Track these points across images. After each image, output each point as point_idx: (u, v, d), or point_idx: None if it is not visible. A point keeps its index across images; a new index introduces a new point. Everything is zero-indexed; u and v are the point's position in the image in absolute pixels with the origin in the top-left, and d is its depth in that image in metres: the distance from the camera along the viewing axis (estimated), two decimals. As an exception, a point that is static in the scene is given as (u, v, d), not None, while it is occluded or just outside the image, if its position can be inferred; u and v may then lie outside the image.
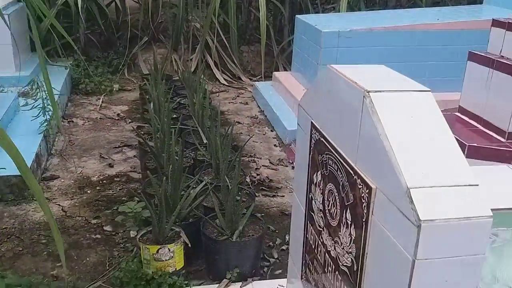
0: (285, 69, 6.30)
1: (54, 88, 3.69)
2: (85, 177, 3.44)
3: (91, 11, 5.74)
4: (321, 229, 1.51)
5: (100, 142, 4.07)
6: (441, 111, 2.53)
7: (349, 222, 1.28)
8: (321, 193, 1.49)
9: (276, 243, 2.77)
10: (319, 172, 1.50)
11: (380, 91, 1.16)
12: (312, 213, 1.58)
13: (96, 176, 3.47)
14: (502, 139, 3.70)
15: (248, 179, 3.47)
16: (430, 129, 1.10)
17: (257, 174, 3.60)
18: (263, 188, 3.41)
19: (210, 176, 3.05)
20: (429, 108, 1.14)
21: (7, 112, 3.70)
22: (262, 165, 3.78)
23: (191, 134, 3.59)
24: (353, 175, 1.23)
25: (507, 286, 1.24)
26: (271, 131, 4.50)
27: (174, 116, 4.08)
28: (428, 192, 1.00)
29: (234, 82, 5.97)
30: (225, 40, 6.07)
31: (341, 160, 1.31)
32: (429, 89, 1.17)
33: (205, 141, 3.42)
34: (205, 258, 2.49)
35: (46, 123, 3.61)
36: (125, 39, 6.19)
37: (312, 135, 1.55)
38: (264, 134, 4.42)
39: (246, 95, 5.54)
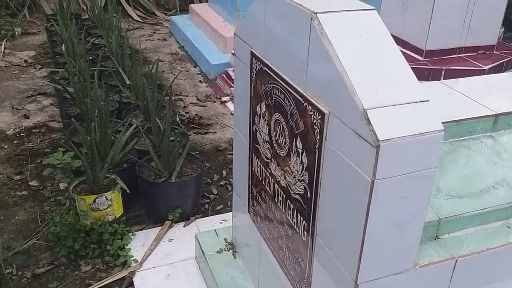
0: (200, 1, 6.05)
1: None
2: (-2, 132, 3.16)
3: None
4: (268, 160, 1.49)
5: (10, 92, 3.73)
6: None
7: (300, 151, 1.27)
8: (266, 124, 1.46)
9: (214, 179, 2.76)
10: (263, 103, 1.45)
11: (327, 11, 1.11)
12: (258, 146, 1.56)
13: (12, 129, 3.20)
14: (420, 58, 3.87)
15: (178, 119, 3.37)
16: (379, 48, 1.08)
17: (186, 113, 3.50)
18: (194, 126, 3.34)
19: (140, 119, 2.92)
20: (376, 27, 1.11)
21: None
22: (190, 103, 3.68)
23: (112, 76, 3.38)
24: (303, 102, 1.21)
25: (449, 195, 1.31)
26: (194, 67, 4.36)
27: (91, 58, 3.81)
28: (384, 111, 1.00)
29: (148, 18, 5.65)
30: (134, -27, 5.66)
31: (289, 88, 1.27)
32: (374, 8, 1.14)
33: (128, 82, 3.23)
34: (143, 202, 2.43)
35: None
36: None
37: (253, 65, 1.49)
38: (187, 71, 4.28)
39: (163, 31, 5.28)
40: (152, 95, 2.84)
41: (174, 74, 4.18)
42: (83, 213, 2.14)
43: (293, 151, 1.31)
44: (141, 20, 5.54)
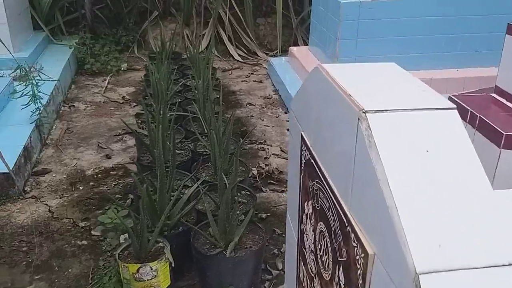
0: (305, 42, 5.86)
1: (47, 75, 3.40)
2: (79, 171, 3.17)
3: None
4: (313, 275, 1.17)
5: (100, 129, 3.79)
6: (475, 91, 2.10)
7: (342, 285, 0.94)
8: (312, 231, 1.14)
9: (282, 250, 2.45)
10: (310, 202, 1.15)
11: (383, 110, 0.79)
12: (304, 251, 1.24)
13: (92, 169, 3.20)
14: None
15: (255, 171, 3.14)
16: (455, 174, 0.73)
17: (266, 165, 3.26)
18: (272, 181, 3.07)
19: (209, 172, 2.74)
20: (455, 138, 0.77)
21: (-2, 99, 3.45)
22: (273, 154, 3.44)
23: (195, 121, 3.27)
24: (346, 224, 0.88)
25: None
26: (285, 113, 4.13)
27: (179, 100, 3.76)
28: (444, 278, 0.65)
29: (249, 58, 5.58)
30: (239, 13, 5.65)
31: (333, 198, 0.96)
32: (454, 106, 0.80)
33: (207, 130, 3.08)
34: (196, 272, 2.20)
35: (39, 111, 3.34)
36: (135, 14, 5.86)
37: (302, 152, 1.19)
38: (277, 117, 4.06)
39: (261, 72, 5.15)
40: (223, 146, 2.64)
41: (263, 120, 3.98)
42: (126, 281, 1.97)
43: (336, 281, 0.98)
44: (241, 60, 5.48)
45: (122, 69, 5.09)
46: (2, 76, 4.00)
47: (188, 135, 3.16)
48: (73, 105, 4.22)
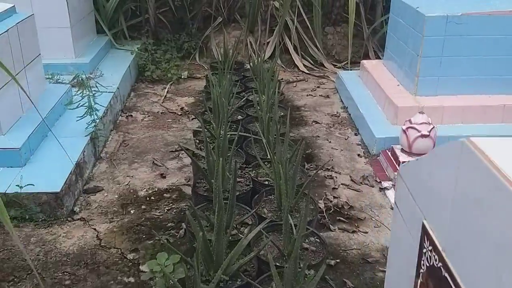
0: (376, 55, 5.45)
1: (105, 86, 3.18)
2: (131, 191, 2.96)
3: (161, -11, 5.24)
4: None
5: (156, 143, 3.58)
6: None
7: None
8: None
9: (354, 308, 2.11)
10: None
11: None
12: None
13: (145, 189, 2.98)
14: None
15: (322, 204, 2.80)
16: None
17: (334, 197, 2.91)
18: (341, 218, 2.72)
19: (272, 207, 2.43)
20: None
21: (54, 108, 3.30)
22: (341, 184, 3.08)
23: (257, 144, 2.98)
24: None
25: None
26: (355, 134, 3.76)
27: (240, 117, 3.48)
28: None
29: (315, 69, 5.23)
30: (307, 21, 5.32)
31: None
32: None
33: (270, 158, 2.77)
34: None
35: (94, 124, 3.16)
36: (198, 20, 5.66)
37: (424, 250, 0.85)
38: (346, 139, 3.69)
39: (328, 86, 4.79)
40: (289, 182, 2.32)
41: (330, 142, 3.63)
42: None
43: None
44: (307, 71, 5.15)
45: (183, 77, 4.89)
46: (61, 82, 3.89)
47: (249, 159, 2.87)
48: (131, 115, 4.04)
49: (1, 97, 2.81)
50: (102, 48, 4.71)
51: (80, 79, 3.09)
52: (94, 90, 3.13)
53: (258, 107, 3.37)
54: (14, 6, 3.22)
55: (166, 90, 4.59)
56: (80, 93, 3.12)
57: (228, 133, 2.76)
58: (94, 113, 3.14)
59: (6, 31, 2.90)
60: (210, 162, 2.51)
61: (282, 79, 4.81)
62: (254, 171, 2.72)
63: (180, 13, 5.68)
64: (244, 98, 3.70)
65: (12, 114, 2.99)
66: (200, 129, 3.22)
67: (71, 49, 4.23)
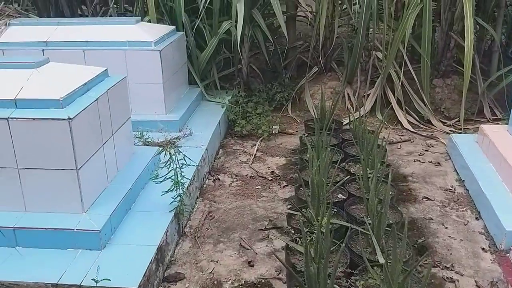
0: (492, 112, 4.80)
1: (190, 159, 2.86)
2: (215, 282, 2.62)
3: (255, 38, 5.00)
4: None
5: (244, 217, 3.24)
6: None
7: None
8: None
9: None
10: None
11: None
12: None
13: (230, 281, 2.63)
14: None
15: (443, 321, 2.28)
16: None
17: (458, 312, 2.37)
18: None
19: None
20: None
21: (140, 177, 3.08)
22: (465, 291, 2.53)
23: (363, 239, 2.53)
24: None
25: None
26: (476, 219, 3.17)
27: (340, 196, 3.06)
28: None
29: (421, 127, 4.68)
30: (412, 72, 4.80)
31: None
32: None
33: (382, 260, 2.30)
34: None
35: (180, 198, 2.89)
36: (292, 68, 5.36)
37: None
38: (465, 224, 3.12)
39: (438, 150, 4.22)
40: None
41: (446, 228, 3.08)
42: None
43: None
44: (412, 130, 4.61)
45: (274, 132, 4.57)
46: (149, 142, 3.71)
47: (354, 259, 2.42)
48: (218, 178, 3.76)
49: (87, 169, 2.63)
50: (193, 101, 4.53)
51: (168, 153, 2.83)
52: (182, 163, 2.87)
53: (363, 183, 2.94)
54: (106, 69, 3.09)
55: (256, 148, 4.28)
56: (167, 165, 2.87)
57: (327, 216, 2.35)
58: (180, 187, 2.88)
59: (95, 100, 2.73)
60: (311, 272, 2.10)
61: (384, 137, 4.33)
62: (362, 281, 2.26)
63: (273, 61, 5.42)
64: (346, 178, 3.23)
65: (97, 187, 2.80)
66: (295, 213, 2.83)
67: (162, 106, 4.08)
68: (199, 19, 4.55)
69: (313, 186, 2.81)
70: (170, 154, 2.81)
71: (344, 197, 3.01)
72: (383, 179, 3.08)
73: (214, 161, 4.04)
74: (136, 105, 4.01)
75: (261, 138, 4.44)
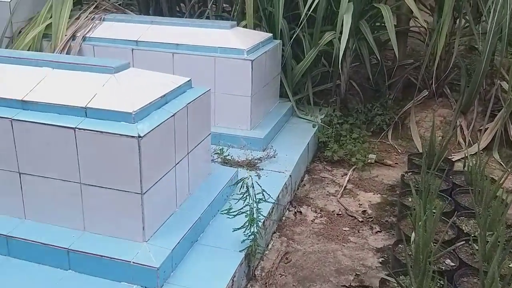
0: None
1: (268, 195, 2.41)
2: None
3: (359, 52, 4.48)
4: None
5: (326, 266, 2.77)
6: None
7: None
8: None
9: None
10: None
11: None
12: None
13: None
14: None
15: None
16: None
17: None
18: None
19: None
20: None
21: (213, 203, 2.72)
22: None
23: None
24: None
25: None
26: None
27: (449, 262, 2.48)
28: None
29: (550, 175, 3.89)
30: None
31: None
32: None
33: None
34: None
35: (253, 237, 2.49)
36: (397, 89, 4.76)
37: None
38: None
39: None
40: None
41: None
42: None
43: None
44: (537, 178, 3.85)
45: (369, 161, 4.02)
46: (228, 160, 3.35)
47: None
48: (300, 211, 3.32)
49: (153, 194, 2.31)
50: (282, 117, 4.12)
51: (246, 186, 2.43)
52: (259, 197, 2.46)
53: (477, 254, 2.34)
54: (190, 80, 2.76)
55: (347, 178, 3.77)
56: (243, 197, 2.47)
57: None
58: (255, 224, 2.47)
59: (173, 115, 2.41)
60: None
61: (503, 186, 3.62)
62: None
63: (377, 79, 4.85)
64: (460, 243, 2.63)
65: (163, 213, 2.47)
66: (390, 279, 2.31)
67: (247, 120, 3.71)
68: (300, 28, 4.13)
69: (417, 248, 2.27)
70: (247, 187, 2.40)
71: (453, 264, 2.43)
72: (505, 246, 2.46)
73: (298, 189, 3.59)
74: (219, 116, 3.68)
75: (354, 167, 3.92)
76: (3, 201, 2.47)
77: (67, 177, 2.31)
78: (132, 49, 3.82)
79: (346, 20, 3.75)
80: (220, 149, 3.43)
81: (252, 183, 2.40)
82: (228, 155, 3.43)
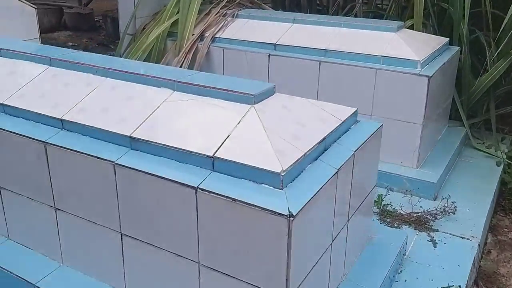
0: None
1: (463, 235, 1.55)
2: None
3: None
4: None
5: None
6: None
7: None
8: None
9: None
10: None
11: None
12: None
13: None
14: None
15: None
16: None
17: None
18: None
19: None
20: None
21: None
22: None
23: None
24: None
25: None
26: None
27: None
28: None
29: None
30: None
31: None
32: None
33: None
34: None
35: None
36: None
37: None
38: None
39: None
40: None
41: None
42: None
43: None
44: None
45: None
46: (387, 211, 2.48)
47: None
48: (491, 297, 2.34)
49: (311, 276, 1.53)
50: (456, 150, 3.12)
51: None
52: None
53: None
54: (356, 111, 1.92)
55: None
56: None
57: None
58: None
59: (336, 173, 1.60)
60: None
61: None
62: None
63: None
64: None
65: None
66: None
67: (414, 155, 2.79)
68: (482, 30, 3.09)
69: None
70: None
71: None
72: None
73: (481, 258, 2.60)
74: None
75: (557, 228, 2.81)
76: (104, 269, 1.87)
77: (186, 254, 1.62)
78: (269, 55, 3.08)
79: None
80: (378, 196, 2.57)
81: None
82: (389, 203, 2.55)
